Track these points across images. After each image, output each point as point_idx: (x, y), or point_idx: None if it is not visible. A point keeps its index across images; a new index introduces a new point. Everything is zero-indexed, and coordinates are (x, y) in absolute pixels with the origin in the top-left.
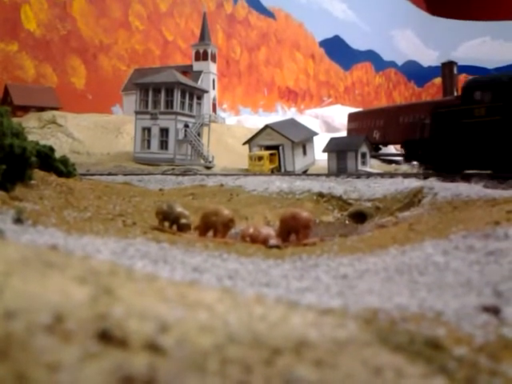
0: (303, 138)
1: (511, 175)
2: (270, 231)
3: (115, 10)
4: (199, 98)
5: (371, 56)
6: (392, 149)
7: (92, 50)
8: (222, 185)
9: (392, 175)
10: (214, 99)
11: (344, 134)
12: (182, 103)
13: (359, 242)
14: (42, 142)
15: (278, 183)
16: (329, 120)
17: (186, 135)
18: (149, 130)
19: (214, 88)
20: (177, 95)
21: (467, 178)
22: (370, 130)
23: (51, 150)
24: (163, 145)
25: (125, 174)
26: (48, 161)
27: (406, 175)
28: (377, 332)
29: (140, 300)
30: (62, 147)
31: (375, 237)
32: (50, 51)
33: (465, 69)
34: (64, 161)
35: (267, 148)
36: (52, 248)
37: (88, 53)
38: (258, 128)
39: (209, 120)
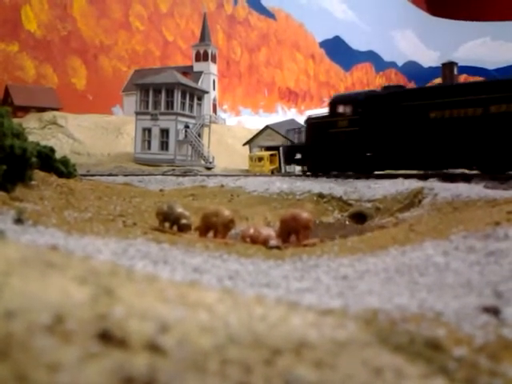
0: (303, 139)
1: (503, 175)
2: (270, 232)
3: (116, 11)
4: (199, 98)
5: (371, 56)
6: None
7: (92, 51)
8: (222, 185)
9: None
10: (214, 100)
11: None
12: (183, 104)
13: (359, 242)
14: (43, 143)
15: (279, 184)
16: None
17: (186, 136)
18: (149, 130)
19: (214, 89)
20: (177, 96)
21: (467, 179)
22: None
23: (52, 150)
24: (163, 145)
25: (125, 175)
26: (48, 161)
27: (406, 176)
28: (377, 332)
29: (140, 300)
30: (62, 148)
31: (375, 237)
32: (50, 52)
33: (465, 69)
34: (64, 161)
35: (267, 149)
36: (52, 248)
37: (88, 53)
38: (259, 129)
39: (209, 121)
